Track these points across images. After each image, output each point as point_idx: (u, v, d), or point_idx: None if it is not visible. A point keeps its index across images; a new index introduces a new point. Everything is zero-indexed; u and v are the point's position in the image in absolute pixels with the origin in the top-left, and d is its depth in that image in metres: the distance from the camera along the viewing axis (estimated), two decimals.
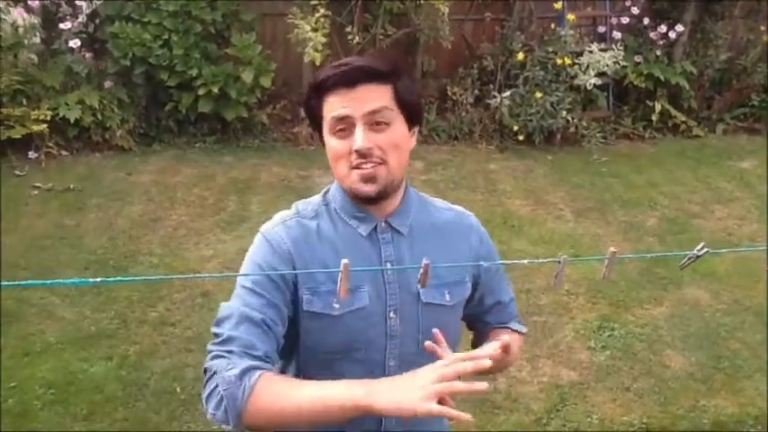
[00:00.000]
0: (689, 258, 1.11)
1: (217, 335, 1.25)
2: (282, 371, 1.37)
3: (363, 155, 1.25)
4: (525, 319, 3.67)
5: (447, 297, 1.38)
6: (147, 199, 4.88)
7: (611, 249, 1.07)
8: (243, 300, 1.27)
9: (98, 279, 0.82)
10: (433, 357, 1.22)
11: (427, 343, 1.25)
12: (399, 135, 1.29)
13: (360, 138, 1.24)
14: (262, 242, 1.33)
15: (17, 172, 5.14)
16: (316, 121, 1.33)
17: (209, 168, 5.40)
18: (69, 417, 2.96)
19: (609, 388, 3.27)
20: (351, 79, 1.25)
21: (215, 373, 1.19)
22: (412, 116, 1.33)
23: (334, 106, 1.27)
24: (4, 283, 0.85)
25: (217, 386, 1.18)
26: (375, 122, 1.26)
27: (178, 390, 3.12)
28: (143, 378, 3.20)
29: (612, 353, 3.51)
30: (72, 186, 4.98)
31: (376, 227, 1.35)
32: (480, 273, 1.45)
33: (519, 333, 1.53)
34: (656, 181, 5.55)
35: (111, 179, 5.16)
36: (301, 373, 1.35)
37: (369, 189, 1.28)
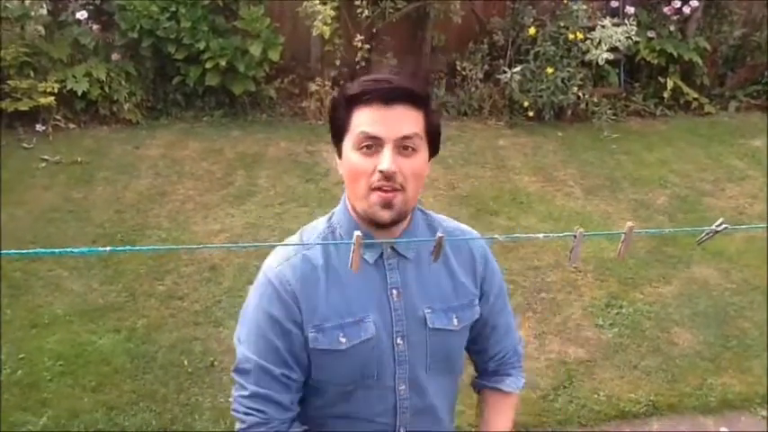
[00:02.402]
0: (707, 234, 1.08)
1: (241, 386, 1.34)
2: (303, 399, 1.39)
3: (387, 177, 1.22)
4: (534, 295, 3.70)
5: (455, 321, 1.37)
6: (155, 173, 4.87)
7: (629, 224, 1.05)
8: (258, 350, 1.31)
9: (108, 248, 0.80)
10: (439, 378, 1.40)
11: None
12: (422, 164, 1.27)
13: (387, 159, 1.21)
14: (267, 286, 1.32)
15: (25, 145, 5.13)
16: (338, 132, 1.29)
17: (217, 142, 5.37)
18: (78, 388, 2.99)
19: (616, 365, 3.27)
20: (389, 98, 1.22)
21: (251, 427, 1.33)
22: (435, 146, 1.31)
23: (365, 122, 1.23)
24: (13, 251, 0.84)
25: None
26: (403, 147, 1.23)
27: (186, 363, 3.13)
28: (151, 351, 3.21)
29: (620, 330, 3.50)
30: (79, 159, 4.97)
31: (382, 253, 1.33)
32: (482, 297, 1.44)
33: (511, 394, 1.55)
34: (667, 159, 5.50)
35: (119, 153, 5.15)
36: (320, 400, 1.38)
37: (385, 215, 1.25)
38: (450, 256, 1.39)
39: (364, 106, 1.23)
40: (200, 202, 4.53)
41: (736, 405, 3.09)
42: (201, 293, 3.60)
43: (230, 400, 1.37)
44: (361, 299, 1.31)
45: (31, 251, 0.87)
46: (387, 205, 1.24)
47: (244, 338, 1.34)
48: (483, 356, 1.54)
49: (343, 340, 1.29)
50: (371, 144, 1.22)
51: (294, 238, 1.38)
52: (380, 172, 1.21)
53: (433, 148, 1.31)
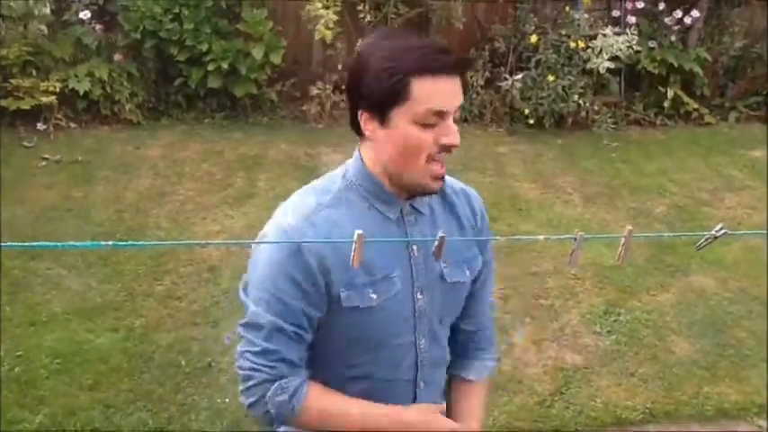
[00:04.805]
0: (706, 239, 1.09)
1: (250, 341, 1.30)
2: (323, 357, 1.37)
3: (449, 149, 1.24)
4: (532, 301, 3.70)
5: (467, 273, 1.40)
6: (155, 173, 4.88)
7: (628, 227, 1.06)
8: (272, 309, 1.27)
9: (110, 242, 0.81)
10: (447, 327, 1.43)
11: None
12: None
13: (456, 134, 1.23)
14: (288, 245, 1.25)
15: (25, 143, 5.14)
16: (389, 100, 1.21)
17: (218, 144, 5.38)
18: (75, 386, 2.98)
19: (613, 372, 3.27)
20: (455, 69, 1.22)
21: (260, 384, 1.29)
22: None
23: (431, 96, 1.19)
24: (15, 244, 0.84)
25: (266, 402, 1.28)
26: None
27: (183, 363, 3.13)
28: (148, 350, 3.21)
29: (618, 338, 3.50)
30: (80, 159, 4.98)
31: (401, 209, 1.33)
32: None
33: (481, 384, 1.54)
34: (666, 168, 5.51)
35: (120, 153, 5.16)
36: (343, 360, 1.36)
37: (437, 186, 1.29)
38: (457, 207, 1.41)
39: (427, 77, 1.19)
40: (200, 203, 4.53)
41: (733, 414, 3.09)
42: (200, 294, 3.60)
43: (234, 356, 1.34)
44: (386, 255, 1.30)
45: (34, 244, 0.88)
46: (440, 177, 1.28)
47: (255, 295, 1.29)
48: (455, 329, 1.50)
49: (374, 296, 1.29)
50: (437, 119, 1.22)
51: (311, 202, 1.29)
52: (448, 146, 1.23)
53: None
